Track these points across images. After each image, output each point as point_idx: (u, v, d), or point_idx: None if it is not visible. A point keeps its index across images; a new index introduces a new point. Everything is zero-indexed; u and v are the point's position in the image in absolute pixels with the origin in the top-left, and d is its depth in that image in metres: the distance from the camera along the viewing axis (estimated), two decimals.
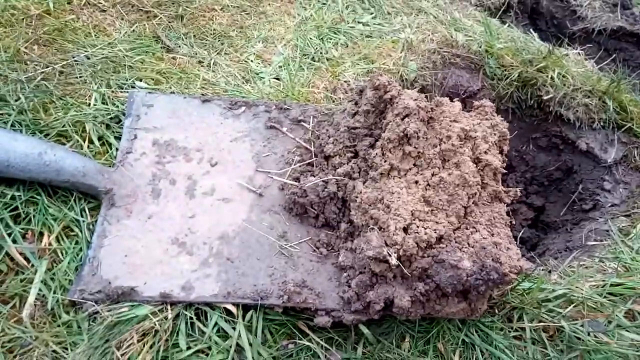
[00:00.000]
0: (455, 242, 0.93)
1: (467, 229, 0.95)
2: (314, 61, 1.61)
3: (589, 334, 1.11)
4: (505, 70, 1.85)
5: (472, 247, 0.92)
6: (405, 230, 0.94)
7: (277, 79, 1.54)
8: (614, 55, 2.29)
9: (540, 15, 2.68)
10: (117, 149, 1.20)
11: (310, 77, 1.53)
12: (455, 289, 0.92)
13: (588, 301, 1.16)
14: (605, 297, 1.18)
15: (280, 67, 1.58)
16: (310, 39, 1.69)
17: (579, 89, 1.76)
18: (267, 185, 1.19)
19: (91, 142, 1.20)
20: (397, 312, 0.95)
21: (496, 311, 1.12)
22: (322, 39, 1.72)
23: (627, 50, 2.51)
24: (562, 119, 1.79)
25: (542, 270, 1.31)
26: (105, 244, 1.05)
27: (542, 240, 1.74)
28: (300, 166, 1.18)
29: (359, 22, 1.85)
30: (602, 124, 1.76)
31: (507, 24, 2.16)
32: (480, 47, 1.84)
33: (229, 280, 1.02)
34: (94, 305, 0.95)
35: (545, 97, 1.76)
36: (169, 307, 0.96)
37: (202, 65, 1.53)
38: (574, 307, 1.14)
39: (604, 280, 1.23)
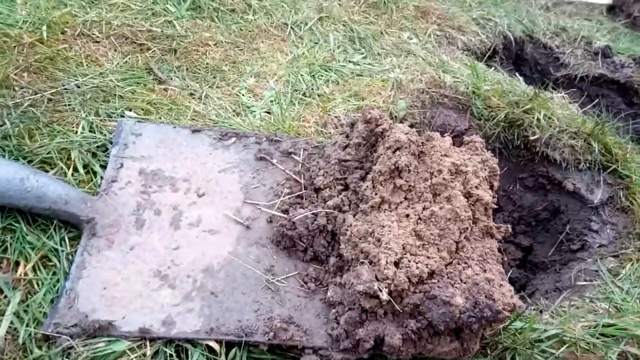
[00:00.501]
0: (448, 277, 0.91)
1: (459, 264, 0.94)
2: (305, 96, 1.63)
3: None
4: (492, 111, 1.88)
5: (465, 282, 0.90)
6: (396, 264, 0.91)
7: (268, 112, 1.54)
8: (596, 100, 2.36)
9: (525, 62, 2.77)
10: (102, 178, 1.17)
11: (301, 112, 1.53)
12: (448, 327, 0.89)
13: (581, 342, 1.13)
14: (597, 337, 1.16)
15: (271, 101, 1.59)
16: (302, 75, 1.71)
17: (565, 131, 1.79)
18: (255, 217, 1.16)
19: (76, 170, 1.17)
20: (387, 350, 0.92)
21: (488, 352, 1.09)
22: (313, 75, 1.74)
23: (608, 97, 2.59)
24: (549, 159, 1.82)
25: (534, 309, 1.29)
26: (83, 275, 1.00)
27: (531, 281, 1.72)
28: (289, 198, 1.16)
29: (349, 61, 1.89)
30: (587, 165, 1.78)
31: (492, 68, 2.22)
32: (467, 88, 1.88)
33: (212, 315, 0.98)
34: (68, 340, 0.89)
35: (531, 138, 1.79)
36: (148, 343, 0.91)
37: (193, 98, 1.53)
38: (566, 348, 1.11)
39: (595, 321, 1.20)
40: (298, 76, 1.69)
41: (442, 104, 1.84)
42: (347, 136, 1.17)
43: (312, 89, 1.66)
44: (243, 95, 1.58)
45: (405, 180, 1.00)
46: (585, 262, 1.59)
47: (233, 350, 0.94)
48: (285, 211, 1.16)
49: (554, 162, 1.81)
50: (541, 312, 1.27)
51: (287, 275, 1.07)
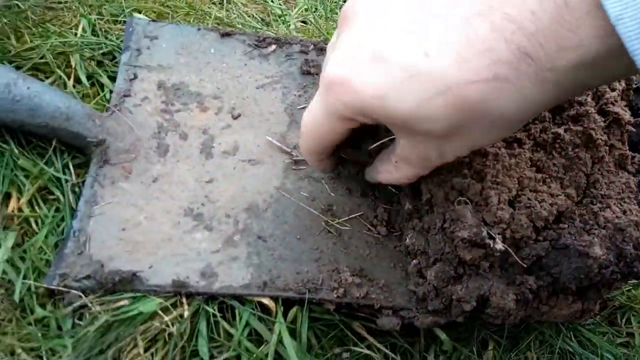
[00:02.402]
0: (580, 221, 0.68)
1: (592, 203, 0.71)
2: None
3: None
4: None
5: (604, 228, 0.68)
6: (511, 204, 0.68)
7: (304, 22, 1.27)
8: None
9: None
10: (111, 91, 0.92)
11: None
12: (581, 285, 0.67)
13: None
14: None
15: (306, 9, 1.30)
16: None
17: None
18: None
19: (78, 80, 0.92)
20: (493, 314, 0.71)
21: (597, 311, 0.89)
22: None
23: None
24: None
25: None
26: (95, 212, 0.78)
27: None
28: None
29: None
30: None
31: None
32: None
33: (263, 266, 0.76)
34: (80, 297, 0.68)
35: None
36: (184, 300, 0.70)
37: (213, 2, 1.25)
38: None
39: None
40: None
41: None
42: None
43: None
44: (272, 1, 1.30)
45: None
46: None
47: (293, 310, 0.73)
48: None
49: None
50: None
51: (351, 217, 0.84)
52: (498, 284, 0.71)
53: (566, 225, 0.68)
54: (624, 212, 0.71)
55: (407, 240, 0.81)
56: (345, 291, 0.74)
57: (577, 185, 0.71)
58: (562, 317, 0.75)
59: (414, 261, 0.79)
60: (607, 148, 0.74)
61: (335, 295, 0.73)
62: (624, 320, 0.88)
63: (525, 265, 0.67)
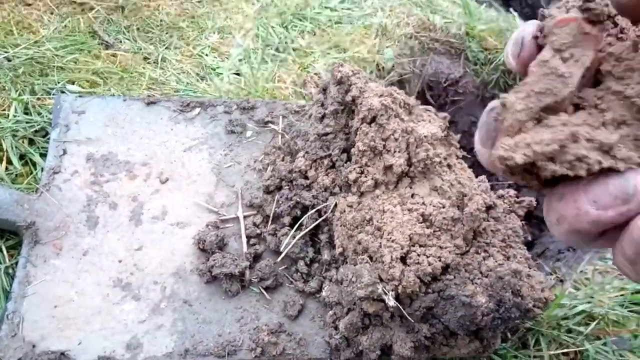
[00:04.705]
0: (465, 271, 0.75)
1: (477, 253, 0.77)
2: (279, 52, 1.40)
3: (613, 353, 0.96)
4: (488, 53, 1.68)
5: (486, 276, 0.75)
6: (403, 260, 0.75)
7: (238, 74, 1.32)
8: None
9: None
10: (42, 169, 0.97)
11: (275, 71, 1.32)
12: (468, 330, 0.74)
13: (610, 314, 1.01)
14: (627, 307, 1.04)
15: (240, 60, 1.36)
16: (273, 27, 1.47)
17: None
18: (230, 202, 0.98)
19: (10, 162, 0.98)
20: (397, 359, 0.77)
21: (509, 336, 0.96)
22: (286, 26, 1.50)
23: None
24: None
25: (553, 278, 1.15)
26: (29, 292, 0.83)
27: (539, 238, 1.59)
28: (270, 180, 0.97)
29: (325, 7, 1.63)
30: None
31: (484, 4, 1.98)
32: (460, 29, 1.66)
33: (187, 331, 0.82)
34: None
35: None
36: None
37: (148, 62, 1.30)
38: (596, 324, 0.99)
39: (623, 288, 1.08)
40: (268, 28, 1.45)
41: (432, 50, 1.63)
42: (322, 104, 0.97)
43: (285, 43, 1.43)
44: (206, 55, 1.36)
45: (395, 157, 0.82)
46: None
47: None
48: (268, 192, 0.98)
49: None
50: (562, 281, 1.14)
51: (272, 272, 0.90)
52: (399, 332, 0.77)
53: (452, 277, 0.74)
54: (508, 258, 0.78)
55: (324, 292, 0.87)
56: (263, 350, 0.80)
57: (465, 236, 0.78)
58: (464, 355, 0.82)
59: (330, 312, 0.86)
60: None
61: (254, 355, 0.79)
62: (532, 342, 0.95)
63: (412, 320, 0.73)
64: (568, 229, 0.33)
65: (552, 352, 0.94)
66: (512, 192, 0.88)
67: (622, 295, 1.06)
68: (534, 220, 1.70)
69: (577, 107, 0.35)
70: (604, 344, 0.97)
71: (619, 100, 0.33)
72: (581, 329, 0.98)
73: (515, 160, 0.33)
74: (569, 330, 0.99)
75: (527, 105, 0.34)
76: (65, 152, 0.99)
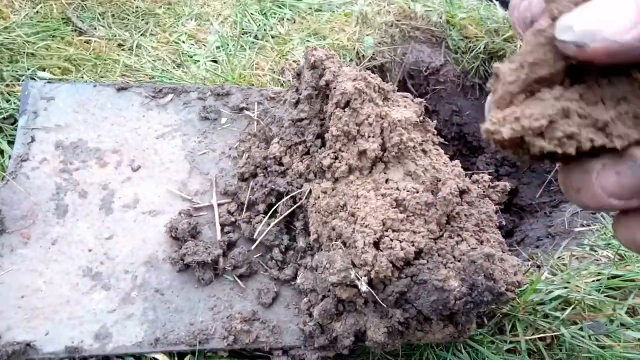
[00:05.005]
0: (438, 255, 0.74)
1: (451, 237, 0.77)
2: (257, 39, 1.38)
3: (590, 338, 0.96)
4: (469, 42, 1.68)
5: (459, 261, 0.74)
6: (376, 245, 0.74)
7: (215, 61, 1.30)
8: None
9: None
10: (10, 157, 0.95)
11: (253, 58, 1.30)
12: (441, 315, 0.73)
13: (586, 299, 1.01)
14: (603, 292, 1.04)
15: (217, 47, 1.34)
16: (251, 14, 1.45)
17: None
18: (204, 190, 0.97)
19: None
20: (371, 345, 0.77)
21: (485, 321, 0.96)
22: (265, 14, 1.48)
23: None
24: None
25: (530, 264, 1.16)
26: None
27: (519, 226, 1.60)
28: (245, 167, 0.96)
29: None
30: None
31: None
32: (440, 17, 1.66)
33: (158, 320, 0.81)
34: None
35: None
36: None
37: (122, 49, 1.27)
38: (572, 309, 0.99)
39: (599, 273, 1.08)
40: (247, 15, 1.43)
41: (413, 38, 1.62)
42: (296, 90, 0.95)
43: (264, 30, 1.41)
44: (183, 42, 1.33)
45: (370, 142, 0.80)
46: None
47: (186, 359, 0.78)
48: (243, 180, 0.96)
49: None
50: (539, 267, 1.14)
51: (247, 260, 0.89)
52: (373, 318, 0.76)
53: (425, 261, 0.74)
54: (481, 242, 0.78)
55: (298, 279, 0.86)
56: (236, 338, 0.79)
57: (439, 221, 0.77)
58: (439, 340, 0.81)
59: (305, 299, 0.84)
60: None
61: (226, 344, 0.78)
62: (509, 327, 0.96)
63: (385, 306, 0.73)
64: (593, 207, 0.31)
65: (528, 337, 0.94)
66: (486, 177, 0.87)
67: (598, 280, 1.07)
68: (513, 208, 1.71)
69: (577, 80, 0.32)
70: (580, 329, 0.97)
71: (620, 75, 0.31)
72: (557, 314, 0.98)
73: (502, 134, 0.31)
74: (546, 316, 0.99)
75: (518, 76, 0.32)
76: (33, 139, 0.96)
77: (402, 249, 0.72)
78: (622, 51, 0.26)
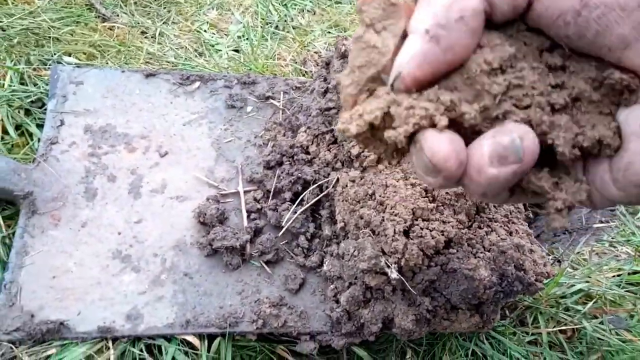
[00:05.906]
0: (468, 245, 0.75)
1: (480, 228, 0.77)
2: (279, 30, 1.38)
3: (610, 332, 0.97)
4: None
5: (489, 251, 0.75)
6: (406, 233, 0.75)
7: (237, 51, 1.31)
8: None
9: None
10: (39, 140, 0.96)
11: (275, 48, 1.30)
12: (470, 304, 0.74)
13: (607, 294, 1.02)
14: (623, 287, 1.05)
15: (239, 37, 1.34)
16: (273, 4, 1.45)
17: None
18: (230, 177, 0.97)
19: (6, 132, 0.96)
20: (398, 332, 0.78)
21: (507, 313, 0.97)
22: (285, 5, 1.48)
23: None
24: None
25: (551, 259, 1.16)
26: (26, 263, 0.82)
27: (535, 222, 1.59)
28: (271, 155, 0.97)
29: None
30: None
31: None
32: None
33: (188, 303, 0.82)
34: (11, 348, 0.73)
35: None
36: (110, 344, 0.75)
37: (145, 37, 1.28)
38: (593, 303, 1.00)
39: (620, 269, 1.09)
40: (268, 6, 1.43)
41: None
42: (324, 79, 0.95)
43: (285, 21, 1.41)
44: (205, 31, 1.34)
45: None
46: None
47: (216, 342, 0.79)
48: (269, 169, 0.97)
49: None
50: (559, 261, 1.14)
51: (274, 246, 0.90)
52: (401, 305, 0.77)
53: (455, 250, 0.74)
54: (510, 234, 0.78)
55: (325, 266, 0.87)
56: (265, 322, 0.80)
57: (468, 212, 0.78)
58: (464, 329, 0.82)
59: (332, 286, 0.85)
60: None
61: (255, 327, 0.79)
62: (531, 320, 0.96)
63: (415, 293, 0.74)
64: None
65: (549, 330, 0.95)
66: None
67: (619, 275, 1.07)
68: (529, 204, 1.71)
69: None
70: (601, 323, 0.98)
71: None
72: (579, 307, 0.99)
73: (351, 131, 0.35)
74: (567, 309, 0.99)
75: (352, 79, 0.36)
76: (62, 122, 0.97)
77: (432, 237, 0.73)
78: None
